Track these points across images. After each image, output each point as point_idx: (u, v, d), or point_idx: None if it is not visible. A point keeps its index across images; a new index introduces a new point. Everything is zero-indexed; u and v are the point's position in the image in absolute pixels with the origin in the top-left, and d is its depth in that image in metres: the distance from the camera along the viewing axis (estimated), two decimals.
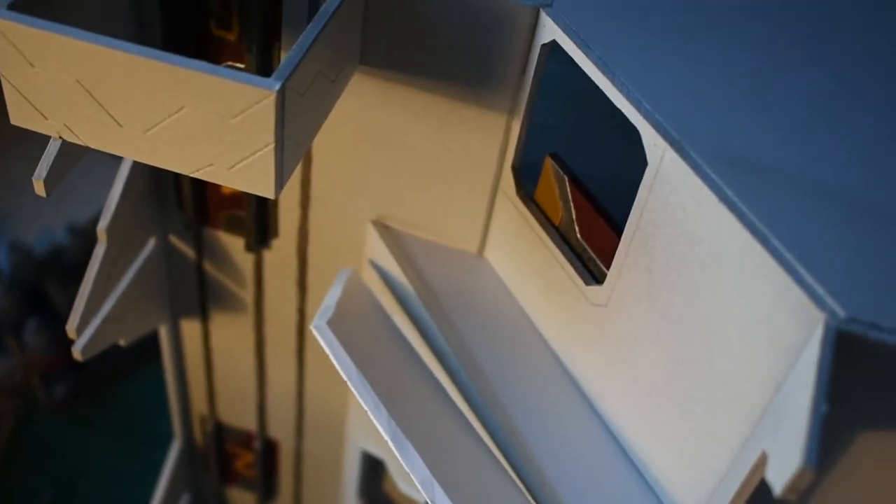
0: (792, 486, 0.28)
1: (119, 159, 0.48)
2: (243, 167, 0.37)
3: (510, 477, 0.42)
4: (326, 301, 0.44)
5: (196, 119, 0.36)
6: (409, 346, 0.46)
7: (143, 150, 0.38)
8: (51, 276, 0.98)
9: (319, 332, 0.42)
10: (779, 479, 0.29)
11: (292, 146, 0.37)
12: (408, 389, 0.42)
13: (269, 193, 0.37)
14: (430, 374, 0.44)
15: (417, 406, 0.42)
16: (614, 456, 0.42)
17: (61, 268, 1.00)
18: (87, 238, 0.98)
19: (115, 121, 0.37)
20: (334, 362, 0.41)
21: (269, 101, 0.34)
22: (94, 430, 0.97)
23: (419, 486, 0.38)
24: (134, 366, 1.00)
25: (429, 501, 0.38)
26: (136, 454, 0.94)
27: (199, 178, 0.38)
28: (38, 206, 1.06)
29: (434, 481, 0.38)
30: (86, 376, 0.98)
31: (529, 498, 0.41)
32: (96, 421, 0.98)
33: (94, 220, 0.96)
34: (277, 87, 0.34)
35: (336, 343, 0.41)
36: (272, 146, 0.36)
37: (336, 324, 0.42)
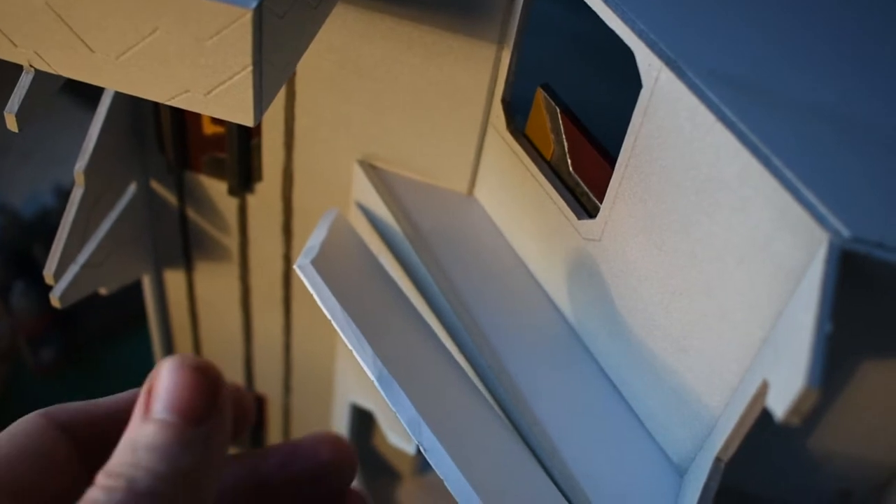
0: (795, 409, 0.26)
1: None
2: (221, 92, 0.35)
3: (500, 417, 0.40)
4: (311, 241, 0.43)
5: (170, 42, 0.34)
6: (396, 288, 0.44)
7: (116, 78, 0.36)
8: (38, 240, 0.96)
9: (303, 272, 0.40)
10: (780, 403, 0.27)
11: (272, 71, 0.35)
12: (394, 330, 0.41)
13: (248, 121, 0.36)
14: (418, 315, 0.43)
15: (404, 346, 0.40)
16: (607, 395, 0.41)
17: (49, 231, 0.98)
18: None
19: (87, 46, 0.35)
20: (318, 302, 0.40)
21: (246, 20, 0.33)
22: (83, 393, 0.95)
23: (406, 427, 0.37)
24: (122, 328, 0.98)
25: (417, 442, 0.36)
26: None
27: (176, 105, 0.36)
28: (25, 169, 1.04)
29: (421, 421, 0.36)
30: (74, 339, 0.96)
31: (520, 438, 0.40)
32: (85, 384, 0.96)
33: None
34: (254, 5, 0.32)
35: (320, 282, 0.40)
36: (250, 69, 0.34)
37: (320, 264, 0.41)
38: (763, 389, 0.31)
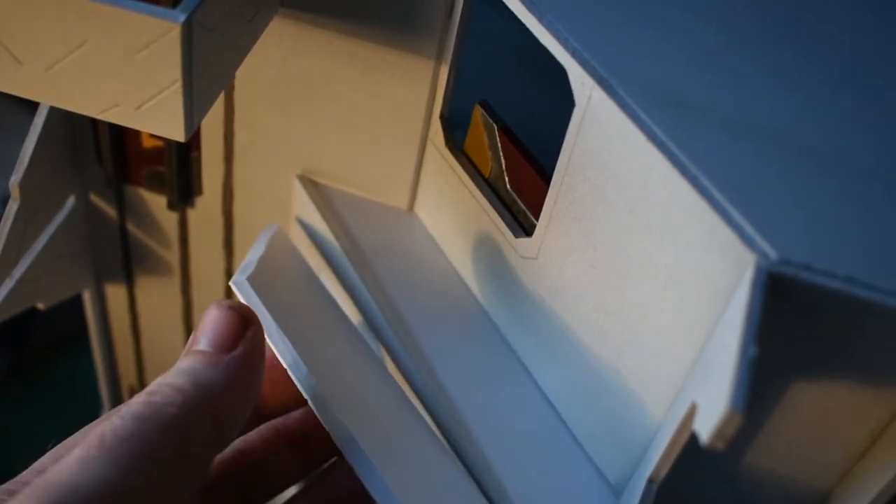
0: (719, 433, 0.26)
1: None
2: (151, 107, 0.35)
3: (437, 437, 0.40)
4: (248, 257, 0.42)
5: (99, 55, 0.34)
6: (335, 305, 0.44)
7: (45, 90, 0.36)
8: None
9: (238, 288, 0.40)
10: (705, 426, 0.27)
11: (203, 86, 0.35)
12: (331, 349, 0.40)
13: (178, 136, 0.35)
14: (357, 334, 0.43)
15: (341, 365, 0.40)
16: (545, 415, 0.41)
17: None
18: None
19: (15, 58, 0.35)
20: None
21: (174, 33, 0.32)
22: (29, 407, 0.94)
23: (340, 447, 0.36)
24: (69, 341, 0.97)
25: (350, 463, 0.36)
26: (76, 429, 0.92)
27: (106, 119, 0.36)
28: None
29: (356, 441, 0.36)
30: (22, 352, 0.95)
31: (457, 458, 0.39)
32: (34, 396, 0.95)
33: None
34: (182, 19, 0.32)
35: (256, 299, 0.39)
36: (179, 84, 0.34)
37: (257, 280, 0.40)
38: (692, 411, 0.31)
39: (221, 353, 0.33)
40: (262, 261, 0.42)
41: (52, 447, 0.35)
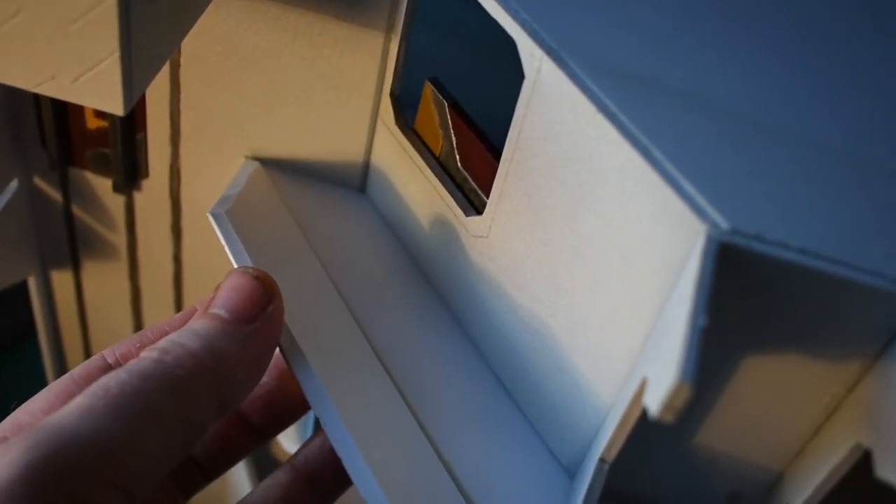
0: (668, 405, 0.26)
1: None
2: (88, 80, 0.34)
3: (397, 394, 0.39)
4: (227, 191, 0.42)
5: (33, 25, 0.33)
6: (308, 250, 0.42)
7: None
8: None
9: (216, 220, 0.39)
10: (654, 399, 0.27)
11: (143, 58, 0.34)
12: (305, 293, 0.39)
13: (117, 109, 0.34)
14: (328, 283, 0.41)
15: (313, 310, 0.39)
16: (496, 396, 0.40)
17: None
18: None
19: None
20: (229, 254, 0.38)
21: (110, 3, 0.31)
22: None
23: (308, 397, 0.35)
24: (14, 340, 0.95)
25: (318, 416, 0.35)
26: None
27: (42, 92, 0.34)
28: None
29: (325, 394, 0.35)
30: None
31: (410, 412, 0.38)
32: None
33: None
34: None
35: (232, 233, 0.39)
36: (117, 55, 0.32)
37: (235, 214, 0.40)
38: (642, 387, 0.30)
39: (240, 323, 0.33)
40: (241, 196, 0.41)
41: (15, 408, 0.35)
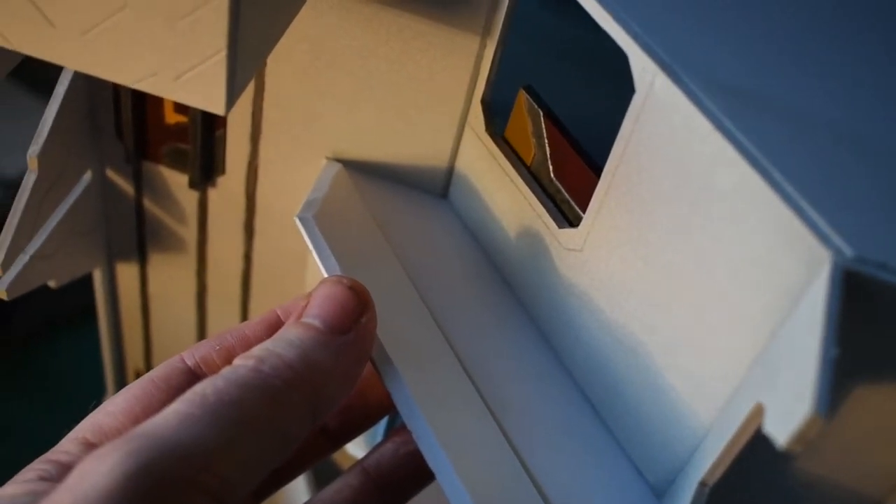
0: (799, 436, 0.25)
1: None
2: (191, 77, 0.33)
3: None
4: (312, 194, 0.42)
5: (139, 20, 0.32)
6: (391, 255, 0.42)
7: (78, 56, 0.34)
8: None
9: (303, 224, 0.39)
10: (782, 429, 0.26)
11: (246, 57, 0.33)
12: (389, 297, 0.39)
13: (219, 109, 0.34)
14: (411, 287, 0.41)
15: (400, 316, 0.38)
16: (581, 411, 0.40)
17: None
18: (16, 192, 0.93)
19: (49, 21, 0.33)
20: (317, 260, 0.38)
21: (222, 0, 0.31)
22: (18, 388, 0.92)
23: (399, 407, 0.35)
24: (61, 321, 0.95)
25: (397, 405, 0.35)
26: (61, 414, 0.90)
27: (142, 89, 0.34)
28: None
29: (412, 399, 0.35)
30: (10, 332, 0.93)
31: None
32: (20, 379, 0.93)
33: (24, 174, 0.91)
34: None
35: (319, 237, 0.38)
36: (224, 53, 0.32)
37: (321, 218, 0.39)
38: (757, 412, 0.29)
39: (334, 334, 0.33)
40: (326, 199, 0.41)
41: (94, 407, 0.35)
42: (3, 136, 1.00)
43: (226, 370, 0.31)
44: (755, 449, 0.31)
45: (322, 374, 0.32)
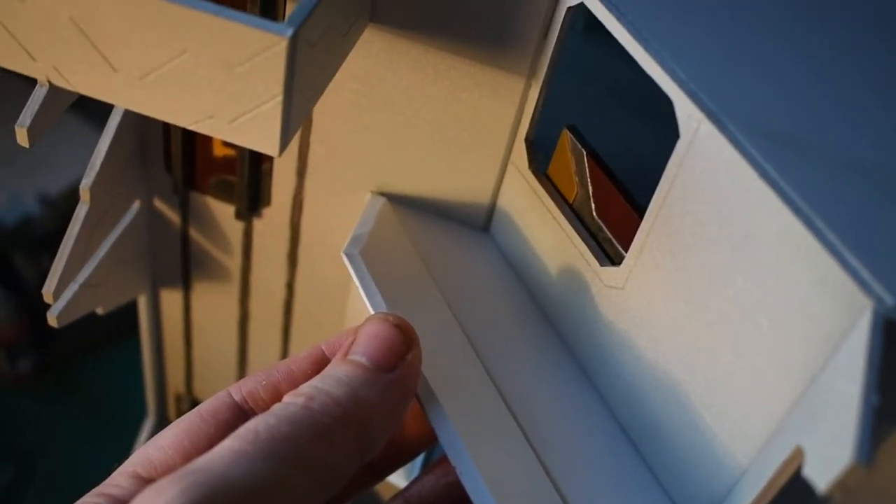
0: (841, 483, 0.26)
1: (97, 127, 0.46)
2: (247, 121, 0.34)
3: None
4: (357, 229, 0.43)
5: (198, 65, 0.33)
6: (435, 289, 0.43)
7: (137, 99, 0.35)
8: (19, 247, 0.95)
9: (350, 260, 0.40)
10: (822, 474, 0.27)
11: (300, 101, 0.35)
12: (435, 333, 0.40)
13: (273, 151, 0.35)
14: (455, 323, 0.42)
15: (445, 353, 0.39)
16: (619, 445, 0.40)
17: (30, 239, 0.96)
18: (58, 209, 0.95)
19: (110, 64, 0.34)
20: (363, 294, 0.39)
21: (281, 48, 0.32)
22: (59, 407, 0.94)
23: (444, 444, 0.36)
24: (102, 341, 0.97)
25: (441, 441, 0.36)
26: (101, 434, 0.91)
27: (198, 131, 0.35)
28: (9, 176, 1.02)
29: (458, 438, 0.36)
30: (52, 351, 0.94)
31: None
32: (61, 398, 0.95)
33: (66, 192, 0.93)
34: (290, 33, 0.31)
35: (366, 274, 0.39)
36: (280, 99, 0.33)
37: (367, 254, 0.40)
38: (797, 455, 0.30)
39: (380, 372, 0.34)
40: (372, 234, 0.42)
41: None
42: (46, 154, 1.02)
43: (276, 407, 0.32)
44: (792, 490, 0.31)
45: (369, 412, 0.33)
